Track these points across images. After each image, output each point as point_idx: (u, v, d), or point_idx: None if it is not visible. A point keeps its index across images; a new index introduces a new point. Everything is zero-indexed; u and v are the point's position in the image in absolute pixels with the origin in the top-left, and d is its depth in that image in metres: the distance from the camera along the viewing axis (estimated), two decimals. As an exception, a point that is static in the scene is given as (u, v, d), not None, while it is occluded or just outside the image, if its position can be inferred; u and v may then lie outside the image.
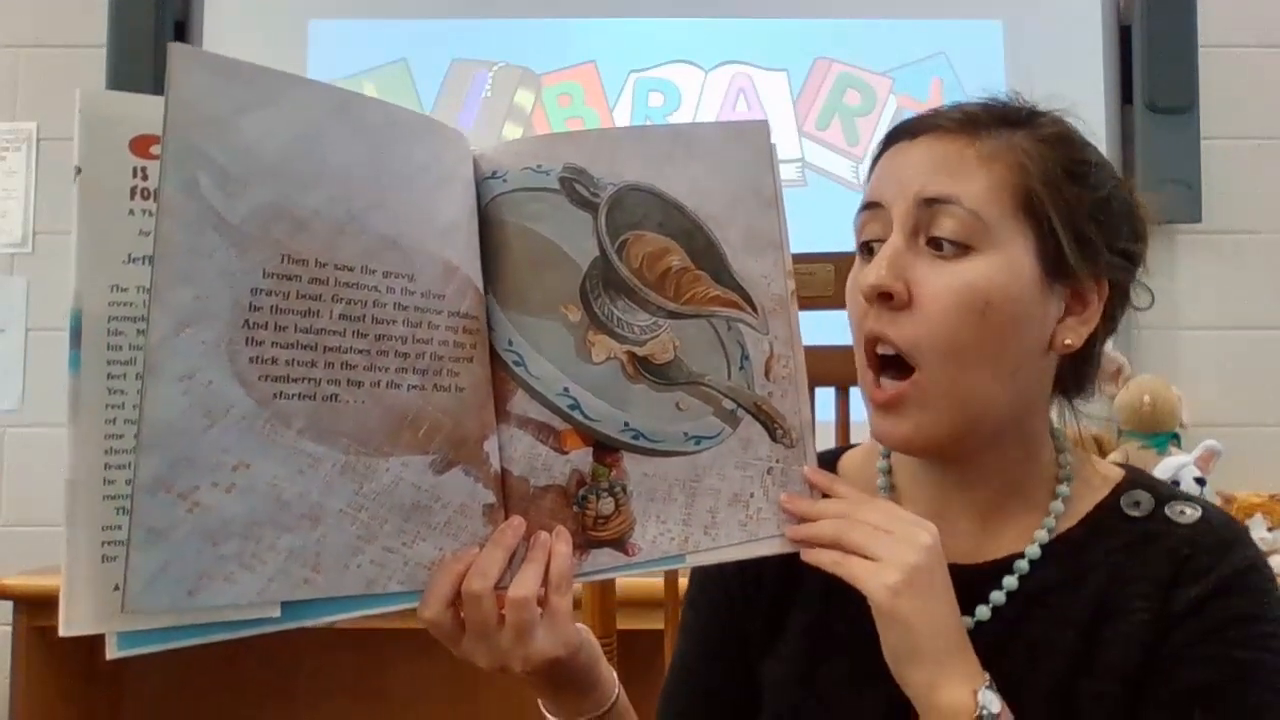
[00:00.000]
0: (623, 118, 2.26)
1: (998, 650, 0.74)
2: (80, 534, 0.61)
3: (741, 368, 0.76)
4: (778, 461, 0.76)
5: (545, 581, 0.70)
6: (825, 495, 0.76)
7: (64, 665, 1.81)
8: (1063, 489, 0.79)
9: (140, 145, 0.64)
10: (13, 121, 2.26)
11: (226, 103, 0.62)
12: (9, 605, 1.80)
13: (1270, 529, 1.89)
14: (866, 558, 0.70)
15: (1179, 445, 2.01)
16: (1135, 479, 0.81)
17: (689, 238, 0.75)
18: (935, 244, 0.73)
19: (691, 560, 0.75)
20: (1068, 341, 0.75)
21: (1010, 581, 0.76)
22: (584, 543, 0.73)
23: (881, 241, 0.75)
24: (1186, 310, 2.11)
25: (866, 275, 0.73)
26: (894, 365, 0.74)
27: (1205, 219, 2.14)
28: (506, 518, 0.71)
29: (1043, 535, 0.77)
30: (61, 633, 0.60)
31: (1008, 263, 0.72)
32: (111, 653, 0.60)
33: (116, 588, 0.59)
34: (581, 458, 0.73)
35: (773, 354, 0.76)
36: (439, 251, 0.69)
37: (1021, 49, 2.23)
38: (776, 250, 0.77)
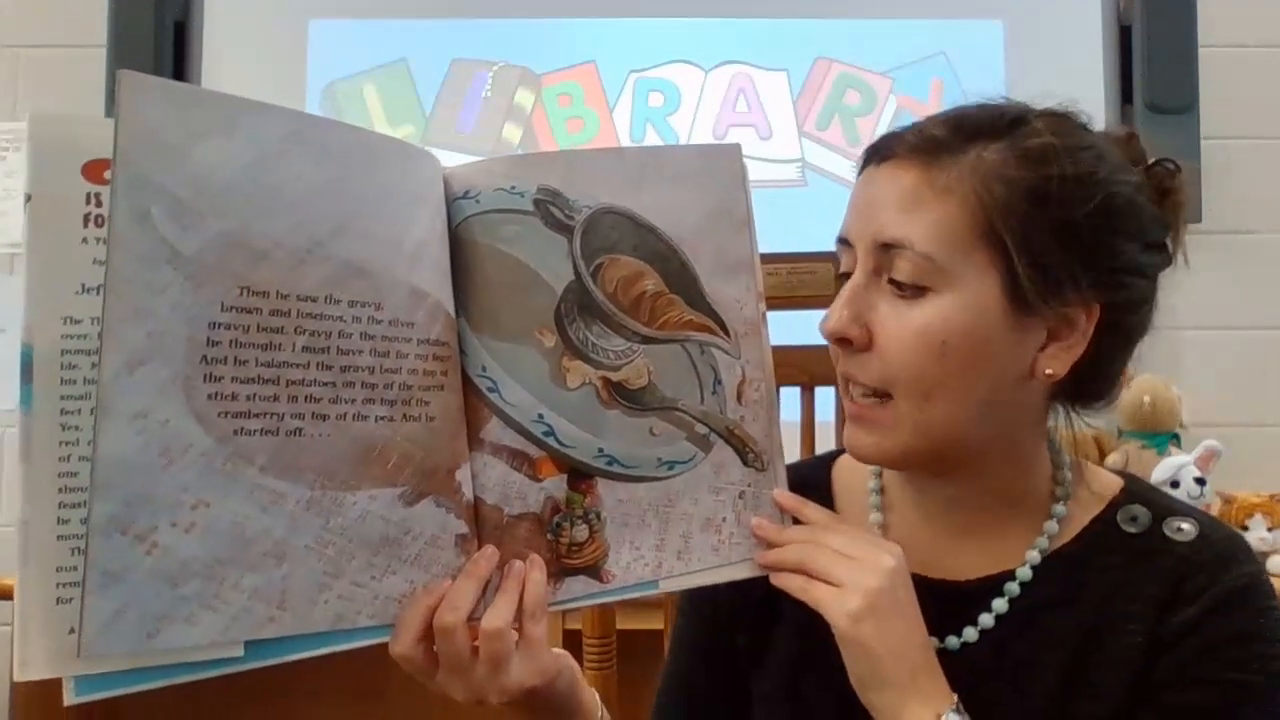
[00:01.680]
0: (623, 118, 2.26)
1: (988, 669, 0.74)
2: (33, 574, 0.58)
3: (714, 392, 0.76)
4: (749, 485, 0.76)
5: (520, 611, 0.69)
6: (795, 518, 0.76)
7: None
8: (1059, 508, 0.78)
9: (94, 170, 0.62)
10: (13, 121, 2.26)
11: (179, 131, 0.60)
12: (9, 605, 1.80)
13: (1270, 529, 1.88)
14: (830, 583, 0.70)
15: (1179, 445, 2.01)
16: (1133, 491, 0.79)
17: (663, 261, 0.75)
18: (895, 284, 0.72)
19: (665, 585, 0.75)
20: (1049, 371, 0.72)
21: (1000, 604, 0.76)
22: (558, 571, 0.72)
23: (847, 273, 0.75)
24: (1186, 310, 2.11)
25: (827, 319, 0.73)
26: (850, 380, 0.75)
27: (1205, 219, 2.14)
28: (479, 548, 0.70)
29: (1035, 555, 0.76)
30: (16, 677, 0.58)
31: (967, 301, 0.70)
32: (69, 698, 0.58)
33: (72, 630, 0.57)
34: (556, 485, 0.72)
35: (744, 378, 0.77)
36: (407, 277, 0.68)
37: (1021, 49, 2.23)
38: (749, 273, 0.77)
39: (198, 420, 0.60)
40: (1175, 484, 1.82)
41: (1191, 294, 2.14)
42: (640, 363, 0.74)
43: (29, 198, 0.61)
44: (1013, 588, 0.76)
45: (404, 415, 0.67)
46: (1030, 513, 0.78)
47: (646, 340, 0.74)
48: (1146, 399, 1.98)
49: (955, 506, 0.79)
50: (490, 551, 0.70)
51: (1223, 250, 2.16)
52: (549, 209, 0.73)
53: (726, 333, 0.76)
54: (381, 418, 0.66)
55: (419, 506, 0.68)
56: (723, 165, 0.77)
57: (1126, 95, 2.20)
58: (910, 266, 0.70)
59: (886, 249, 0.71)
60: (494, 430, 0.71)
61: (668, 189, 0.76)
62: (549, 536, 0.72)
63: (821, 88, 2.27)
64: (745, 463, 0.77)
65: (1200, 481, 1.83)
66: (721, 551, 0.75)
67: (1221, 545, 0.75)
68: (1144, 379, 2.00)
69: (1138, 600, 0.73)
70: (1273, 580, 0.76)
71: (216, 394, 0.60)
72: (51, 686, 0.57)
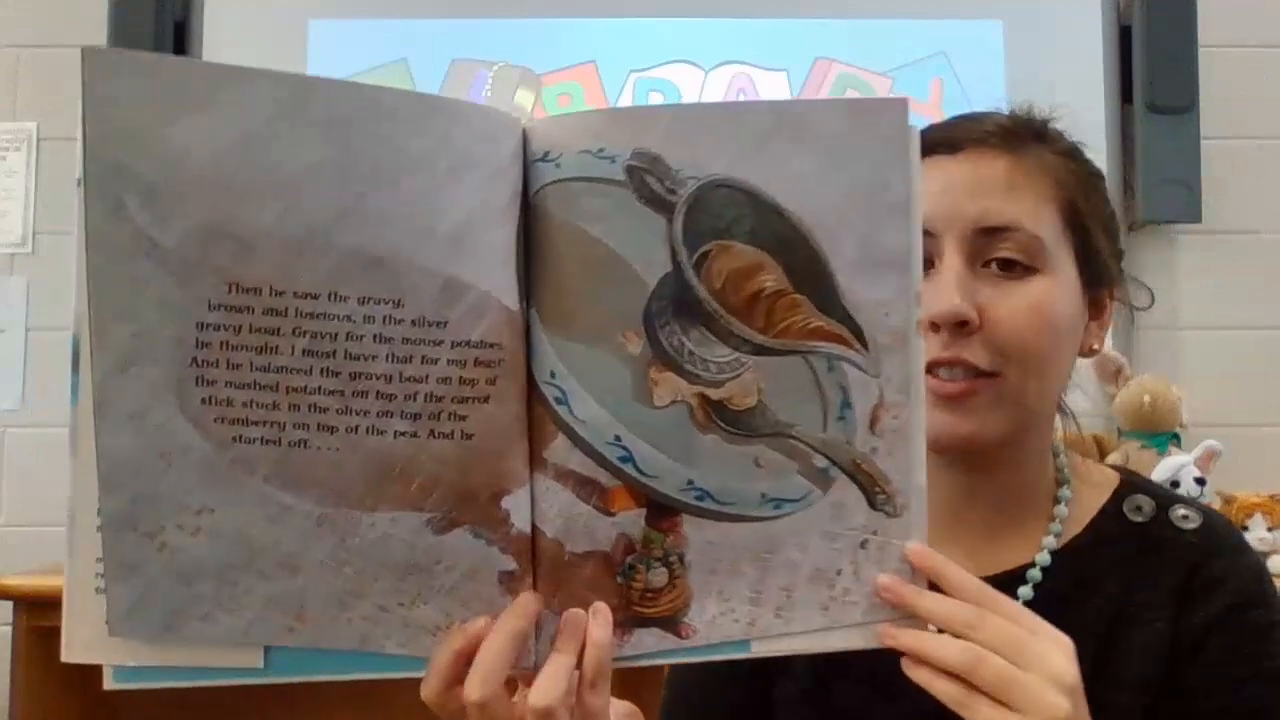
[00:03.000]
0: (623, 118, 2.26)
1: None
2: (78, 564, 0.58)
3: (841, 417, 0.62)
4: (875, 533, 0.62)
5: (578, 674, 0.59)
6: (930, 582, 0.63)
7: (64, 665, 1.82)
8: (1064, 492, 0.79)
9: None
10: (13, 121, 2.26)
11: (151, 109, 0.54)
12: (9, 605, 1.80)
13: (1270, 529, 1.88)
14: (997, 699, 0.58)
15: (1179, 445, 2.01)
16: (1133, 482, 0.81)
17: (789, 251, 0.60)
18: (999, 265, 0.73)
19: (758, 648, 0.63)
20: (1095, 346, 0.78)
21: (1025, 591, 0.76)
22: (627, 620, 0.62)
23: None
24: (1186, 310, 2.11)
25: (936, 303, 0.71)
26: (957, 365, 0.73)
27: (1205, 219, 2.14)
28: (535, 587, 0.60)
29: (1051, 542, 0.77)
30: (63, 658, 0.59)
31: (1064, 281, 0.74)
32: (108, 683, 0.60)
33: (108, 620, 0.58)
34: (631, 520, 0.61)
35: (882, 401, 0.62)
36: (440, 266, 0.57)
37: (1021, 49, 2.23)
38: (902, 272, 0.61)
39: (194, 425, 0.56)
40: (1175, 484, 1.82)
41: (1191, 294, 2.14)
42: (749, 378, 0.61)
43: (80, 182, 0.56)
44: (1034, 574, 0.76)
45: (431, 431, 0.58)
46: (1038, 507, 0.79)
47: (760, 350, 0.61)
48: (1146, 399, 1.98)
49: (970, 504, 0.79)
50: (528, 600, 0.60)
51: (1223, 250, 2.16)
52: (644, 179, 0.59)
53: (864, 344, 0.62)
54: (402, 433, 0.58)
55: (451, 536, 0.59)
56: (880, 127, 0.60)
57: (1126, 95, 2.20)
58: (1019, 248, 0.73)
59: (991, 232, 0.73)
60: (560, 450, 0.60)
61: (803, 157, 0.60)
62: (619, 580, 0.61)
63: (821, 88, 2.27)
64: (873, 505, 0.62)
65: (1200, 481, 1.84)
66: (832, 611, 0.62)
67: (1226, 535, 0.77)
68: (1144, 379, 2.00)
69: (1155, 589, 0.74)
70: (1273, 580, 0.77)
71: (210, 399, 0.56)
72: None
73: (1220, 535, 0.76)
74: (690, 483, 0.61)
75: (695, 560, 0.62)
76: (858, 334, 0.62)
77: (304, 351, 0.57)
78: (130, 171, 0.54)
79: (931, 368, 0.72)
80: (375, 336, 0.57)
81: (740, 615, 0.62)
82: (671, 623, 0.62)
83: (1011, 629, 0.60)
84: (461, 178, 0.58)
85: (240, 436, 0.57)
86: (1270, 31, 2.22)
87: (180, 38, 2.24)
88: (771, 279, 0.60)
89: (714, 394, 0.61)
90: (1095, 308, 0.79)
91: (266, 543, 0.58)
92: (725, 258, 0.60)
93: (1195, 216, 2.14)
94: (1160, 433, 1.99)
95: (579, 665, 0.59)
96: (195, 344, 0.56)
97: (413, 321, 0.57)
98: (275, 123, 0.55)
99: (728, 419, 0.61)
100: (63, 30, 2.25)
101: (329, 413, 0.57)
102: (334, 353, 0.57)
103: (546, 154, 0.60)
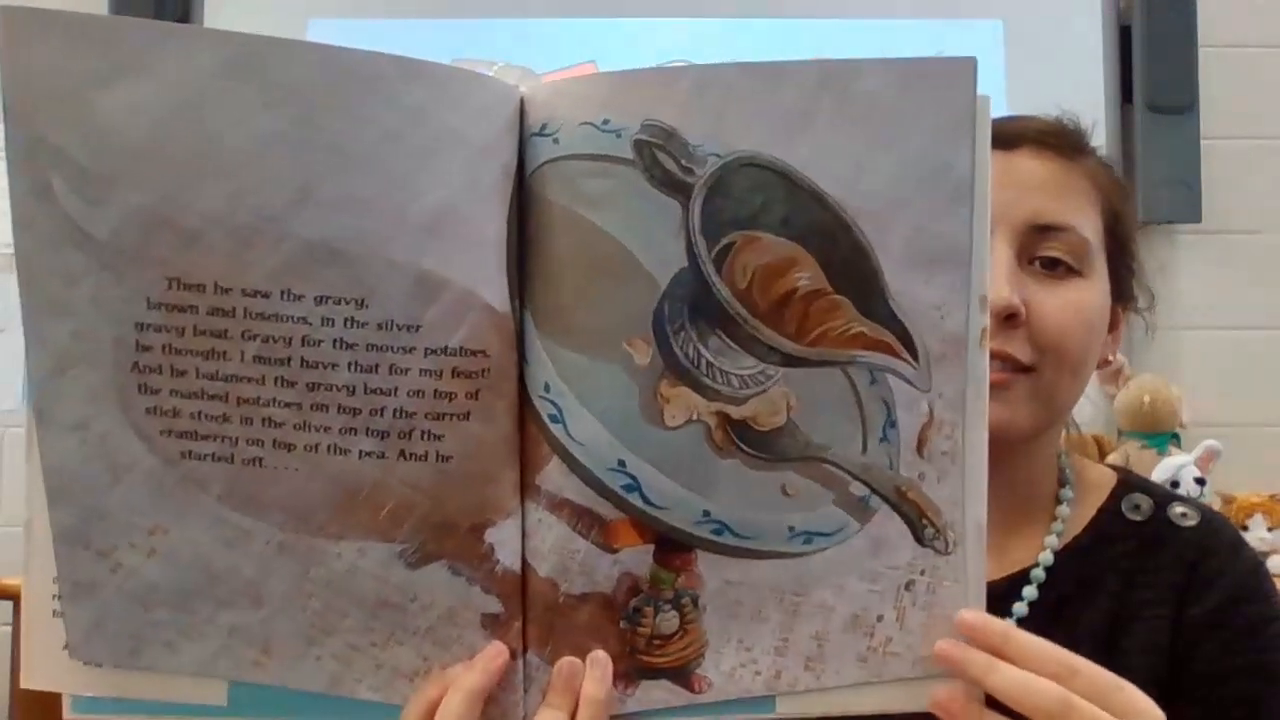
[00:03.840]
0: (623, 118, 2.26)
1: None
2: (34, 581, 0.53)
3: (884, 438, 0.53)
4: (923, 573, 0.54)
5: None
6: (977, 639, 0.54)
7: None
8: (1066, 492, 0.79)
9: None
10: (13, 121, 2.26)
11: (77, 75, 0.47)
12: (9, 605, 1.80)
13: (1270, 529, 1.88)
14: None
15: (1179, 445, 2.00)
16: (1130, 481, 0.81)
17: (827, 244, 0.51)
18: (1046, 263, 0.74)
19: (784, 707, 0.55)
20: (1109, 358, 0.79)
21: (1030, 592, 0.76)
22: (632, 670, 0.54)
23: None
24: (1186, 310, 2.11)
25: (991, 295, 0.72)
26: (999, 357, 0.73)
27: (1205, 219, 2.14)
28: (525, 633, 0.54)
29: (1054, 541, 0.77)
30: (22, 684, 0.55)
31: (1101, 287, 0.76)
32: (68, 713, 0.56)
33: (65, 645, 0.53)
34: (636, 558, 0.53)
35: (932, 419, 0.53)
36: (412, 259, 0.50)
37: (1021, 49, 2.22)
38: (960, 268, 0.52)
39: (139, 436, 0.50)
40: (1175, 484, 1.82)
41: (1191, 294, 2.14)
42: (777, 393, 0.52)
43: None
44: (1038, 574, 0.76)
45: (401, 452, 0.51)
46: (1039, 508, 0.79)
47: (790, 361, 0.52)
48: (1146, 399, 1.98)
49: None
50: (494, 652, 0.53)
51: (1223, 250, 2.16)
52: (657, 156, 0.50)
53: (913, 353, 0.53)
54: (368, 453, 0.51)
55: (426, 570, 0.52)
56: (942, 94, 0.51)
57: (1126, 95, 2.19)
58: (1069, 249, 0.74)
59: (1044, 230, 0.74)
60: (554, 476, 0.52)
61: (848, 131, 0.51)
62: (623, 625, 0.54)
63: (821, 88, 2.27)
64: (920, 540, 0.54)
65: (1200, 481, 1.83)
66: (871, 664, 0.54)
67: (1224, 532, 0.78)
68: (1144, 379, 2.00)
69: (1155, 586, 0.75)
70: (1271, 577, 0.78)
71: (155, 409, 0.50)
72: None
73: (1218, 532, 0.77)
74: (706, 514, 0.53)
75: (711, 603, 0.54)
76: (906, 341, 0.53)
77: (255, 358, 0.50)
78: (55, 148, 0.48)
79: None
80: (335, 342, 0.50)
81: (763, 667, 0.54)
82: (682, 674, 0.54)
83: (1104, 689, 0.52)
84: (441, 154, 0.50)
85: (190, 452, 0.51)
86: (1270, 31, 2.22)
87: (180, 38, 2.24)
88: (806, 277, 0.52)
89: (735, 412, 0.52)
90: (1113, 320, 0.80)
91: (224, 568, 0.52)
92: (752, 251, 0.51)
93: (1195, 216, 2.14)
94: (1160, 433, 1.99)
95: None
96: (135, 346, 0.49)
97: (379, 325, 0.50)
98: (220, 88, 0.48)
99: (751, 441, 0.52)
100: (63, 30, 2.25)
101: (285, 428, 0.50)
102: (288, 360, 0.50)
103: (544, 127, 0.51)
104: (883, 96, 0.51)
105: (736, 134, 0.51)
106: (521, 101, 0.52)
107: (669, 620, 0.54)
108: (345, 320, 0.50)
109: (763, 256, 0.51)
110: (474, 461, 0.52)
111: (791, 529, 0.54)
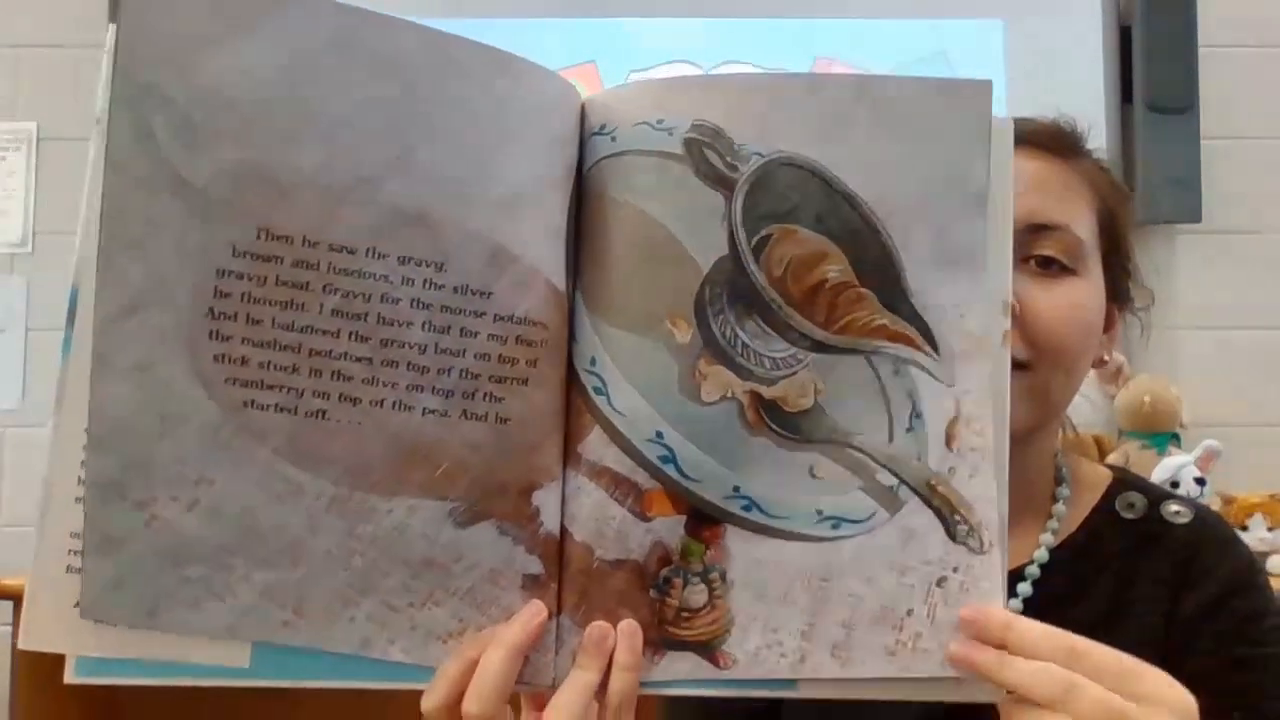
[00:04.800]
0: (623, 118, 2.26)
1: None
2: (48, 538, 0.52)
3: (910, 429, 0.55)
4: (955, 570, 0.54)
5: (601, 700, 0.54)
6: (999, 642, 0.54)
7: (64, 665, 1.81)
8: (1062, 490, 0.79)
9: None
10: (13, 121, 2.26)
11: (195, 26, 0.49)
12: (9, 605, 1.80)
13: (1270, 529, 1.88)
14: None
15: (1179, 445, 2.01)
16: (1125, 480, 0.82)
17: (857, 242, 0.55)
18: (1041, 262, 0.74)
19: (806, 690, 0.56)
20: (1104, 357, 0.79)
21: (1025, 589, 0.76)
22: (659, 640, 0.55)
23: None
24: (1186, 310, 2.11)
25: None
26: None
27: (1205, 219, 2.14)
28: (560, 595, 0.55)
29: (1049, 539, 0.77)
30: (20, 644, 0.53)
31: (1097, 286, 0.76)
32: (69, 676, 0.53)
33: (78, 604, 0.51)
34: (669, 528, 0.55)
35: (959, 415, 0.55)
36: (488, 232, 0.53)
37: (1021, 49, 2.23)
38: (977, 270, 0.55)
39: (202, 383, 0.50)
40: (1175, 484, 1.82)
41: (1191, 294, 2.14)
42: (805, 376, 0.55)
43: (99, 121, 0.51)
44: (1033, 571, 0.77)
45: (464, 412, 0.53)
46: (1035, 506, 0.79)
47: (819, 347, 0.55)
48: (1146, 399, 1.98)
49: None
50: (534, 610, 0.54)
51: (1223, 250, 2.16)
52: (704, 153, 0.55)
53: (935, 348, 0.55)
54: (432, 411, 0.53)
55: (474, 530, 0.54)
56: (962, 111, 0.55)
57: (1126, 95, 2.20)
58: (1064, 248, 0.74)
59: (1038, 230, 0.74)
60: (595, 445, 0.55)
61: (879, 139, 0.55)
62: (653, 593, 0.55)
63: (821, 88, 2.27)
64: (952, 536, 0.54)
65: (1200, 481, 1.83)
66: (900, 658, 0.54)
67: (1217, 529, 0.78)
68: (1144, 379, 2.00)
69: (1148, 582, 0.75)
70: (1272, 580, 0.79)
71: (224, 355, 0.50)
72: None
73: (1211, 528, 0.78)
74: (736, 490, 0.55)
75: (740, 580, 0.55)
76: (927, 335, 0.55)
77: (333, 311, 0.51)
78: (163, 97, 0.49)
79: None
80: (413, 301, 0.52)
81: (788, 650, 0.55)
82: (708, 649, 0.55)
83: (1116, 673, 0.52)
84: (520, 141, 0.54)
85: (252, 401, 0.51)
86: (1270, 31, 2.22)
87: (180, 38, 2.24)
88: (836, 270, 0.55)
89: (767, 392, 0.55)
90: (1108, 320, 0.80)
91: (269, 524, 0.52)
92: (788, 243, 0.55)
93: (1195, 216, 2.14)
94: (1160, 433, 1.99)
95: (603, 686, 0.54)
96: (213, 293, 0.50)
97: (455, 289, 0.53)
98: (327, 54, 0.51)
99: (781, 421, 0.55)
100: (63, 30, 2.25)
101: (353, 382, 0.52)
102: (366, 315, 0.52)
103: (603, 127, 0.56)
104: (912, 109, 0.55)
105: (778, 136, 0.55)
106: (583, 106, 0.57)
107: (697, 593, 0.55)
108: (424, 281, 0.52)
109: (797, 249, 0.55)
110: (528, 426, 0.54)
111: (819, 512, 0.55)
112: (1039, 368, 0.73)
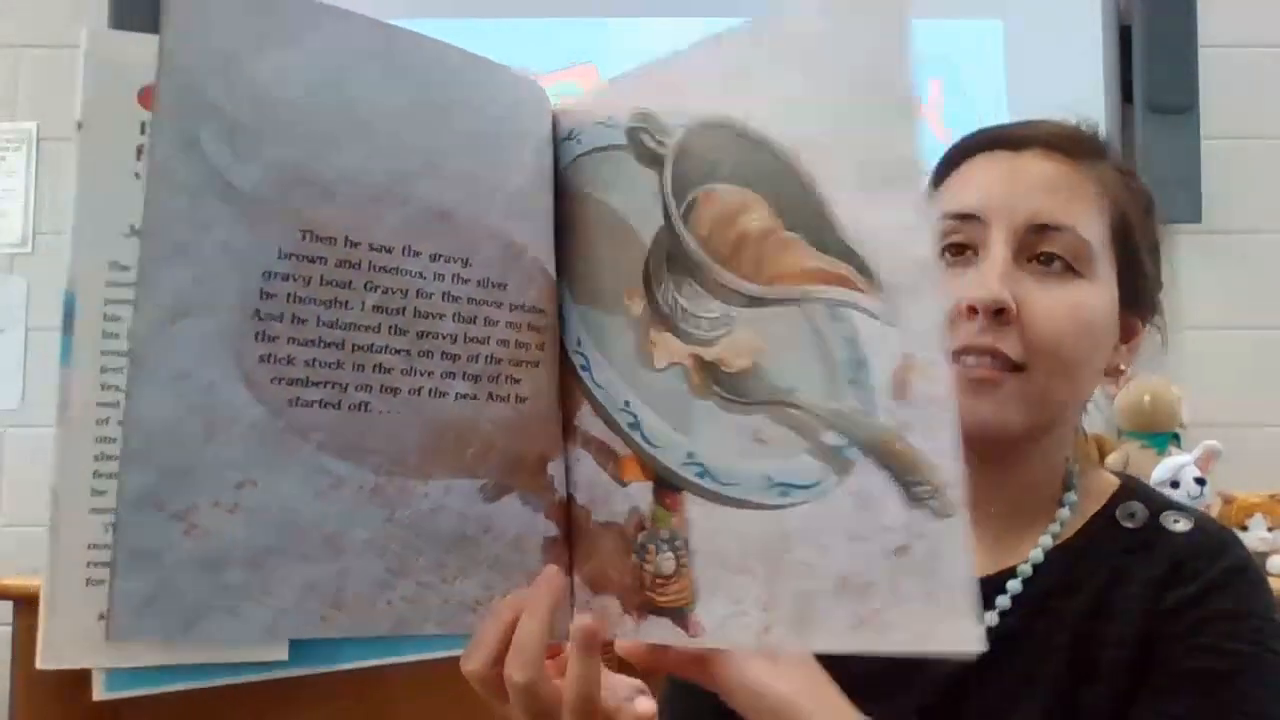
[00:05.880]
0: (623, 118, 2.26)
1: (994, 663, 0.74)
2: (63, 550, 0.51)
3: (853, 379, 0.50)
4: (921, 537, 0.48)
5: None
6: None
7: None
8: (1069, 497, 0.79)
9: (149, 96, 0.53)
10: (13, 121, 2.26)
11: (239, 37, 0.50)
12: (9, 605, 1.80)
13: (1270, 529, 1.88)
14: None
15: (1179, 445, 2.00)
16: (1131, 489, 0.81)
17: (776, 185, 0.52)
18: (1042, 260, 0.73)
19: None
20: (1121, 367, 0.79)
21: (1014, 585, 0.76)
22: (641, 605, 0.57)
23: (965, 245, 0.75)
24: (1186, 310, 2.11)
25: (977, 289, 0.72)
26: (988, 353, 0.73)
27: (1205, 219, 2.14)
28: (571, 554, 0.59)
29: (1047, 541, 0.77)
30: (39, 664, 0.51)
31: (1104, 291, 0.75)
32: (98, 693, 0.52)
33: (101, 616, 0.50)
34: (642, 494, 0.57)
35: (911, 360, 0.48)
36: (502, 229, 0.57)
37: (1021, 49, 2.23)
38: (914, 186, 0.50)
39: (247, 385, 0.51)
40: (1175, 484, 1.82)
41: (1191, 294, 2.14)
42: (742, 335, 0.53)
43: (80, 125, 0.53)
44: (1015, 585, 0.77)
45: (490, 394, 0.57)
46: (1039, 510, 0.79)
47: (753, 302, 0.53)
48: (1146, 399, 1.98)
49: (981, 502, 0.78)
50: (552, 573, 0.58)
51: (1223, 250, 2.16)
52: (640, 138, 0.57)
53: (872, 282, 0.50)
54: (463, 395, 0.56)
55: (502, 502, 0.57)
56: (872, 18, 0.50)
57: (1126, 95, 2.20)
58: (1069, 249, 0.74)
59: (1043, 229, 0.74)
60: (585, 417, 0.59)
61: (784, 75, 0.53)
62: (634, 558, 0.57)
63: (821, 88, 2.27)
64: (912, 498, 0.48)
65: (1200, 481, 1.83)
66: (865, 634, 0.49)
67: (1215, 536, 0.77)
68: (1144, 379, 2.00)
69: (1138, 583, 0.75)
70: (1271, 580, 0.78)
71: (270, 356, 0.51)
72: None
73: (1210, 535, 0.77)
74: (690, 456, 0.55)
75: (700, 549, 0.54)
76: (864, 271, 0.50)
77: (374, 307, 0.54)
78: (209, 103, 0.50)
79: (962, 353, 0.72)
80: (444, 295, 0.56)
81: (752, 621, 0.53)
82: (680, 615, 0.55)
83: None
84: (524, 144, 0.58)
85: (298, 399, 0.52)
86: (1270, 31, 2.22)
87: (180, 38, 2.24)
88: (757, 218, 0.53)
89: (707, 354, 0.54)
90: (1127, 330, 0.79)
91: (311, 520, 0.52)
92: (710, 203, 0.54)
93: (1195, 216, 2.14)
94: (1160, 433, 1.99)
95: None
96: (259, 294, 0.51)
97: (478, 282, 0.57)
98: (365, 64, 0.53)
99: (723, 383, 0.54)
100: (63, 30, 2.25)
101: (393, 373, 0.54)
102: (403, 310, 0.54)
103: (570, 132, 0.60)
104: (814, 34, 0.53)
105: (696, 103, 0.56)
106: (555, 115, 0.61)
107: (667, 560, 0.56)
108: (453, 276, 0.56)
109: (718, 206, 0.54)
110: (541, 403, 0.59)
111: (768, 479, 0.53)
112: (1034, 370, 0.72)
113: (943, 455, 0.48)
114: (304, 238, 0.52)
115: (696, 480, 0.55)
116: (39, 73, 2.26)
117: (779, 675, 0.59)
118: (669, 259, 0.56)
